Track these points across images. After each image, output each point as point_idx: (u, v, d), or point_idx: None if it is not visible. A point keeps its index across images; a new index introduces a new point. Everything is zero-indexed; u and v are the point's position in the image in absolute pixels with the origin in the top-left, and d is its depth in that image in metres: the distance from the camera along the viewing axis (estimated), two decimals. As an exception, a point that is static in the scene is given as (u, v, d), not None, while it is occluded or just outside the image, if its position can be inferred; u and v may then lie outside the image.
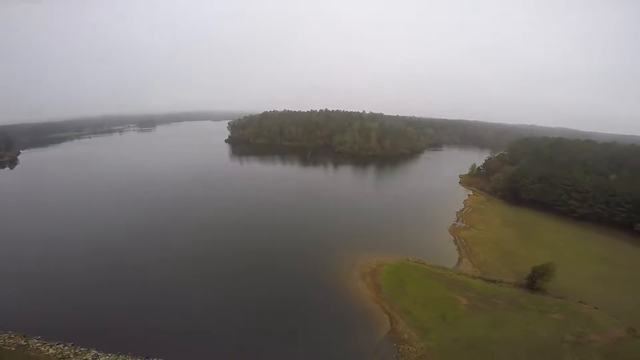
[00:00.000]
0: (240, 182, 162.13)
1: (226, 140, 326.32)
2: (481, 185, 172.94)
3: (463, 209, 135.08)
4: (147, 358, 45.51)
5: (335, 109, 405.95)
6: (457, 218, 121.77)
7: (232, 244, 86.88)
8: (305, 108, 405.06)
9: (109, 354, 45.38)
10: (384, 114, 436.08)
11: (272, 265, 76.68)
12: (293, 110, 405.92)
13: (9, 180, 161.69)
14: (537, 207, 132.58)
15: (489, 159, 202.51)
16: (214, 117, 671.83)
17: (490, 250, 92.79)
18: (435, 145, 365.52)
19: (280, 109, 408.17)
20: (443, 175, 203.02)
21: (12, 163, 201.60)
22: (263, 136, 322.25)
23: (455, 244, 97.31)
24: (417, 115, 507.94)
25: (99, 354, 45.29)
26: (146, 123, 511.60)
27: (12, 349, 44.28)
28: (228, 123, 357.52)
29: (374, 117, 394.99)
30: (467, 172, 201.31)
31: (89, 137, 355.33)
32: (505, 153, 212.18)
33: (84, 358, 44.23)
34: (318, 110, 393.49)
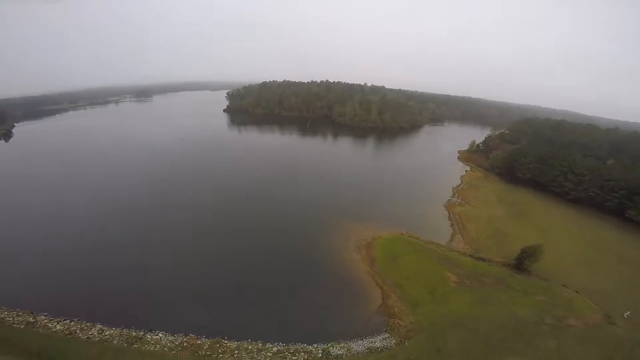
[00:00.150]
0: (238, 154, 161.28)
1: (224, 110, 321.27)
2: (479, 162, 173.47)
3: (460, 184, 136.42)
4: (150, 331, 47.93)
5: (336, 81, 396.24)
6: (453, 194, 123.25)
7: (236, 217, 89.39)
8: (305, 79, 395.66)
9: (114, 328, 47.71)
10: (386, 87, 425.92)
11: (271, 234, 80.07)
12: (293, 80, 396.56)
13: (6, 154, 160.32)
14: (533, 187, 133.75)
15: (489, 136, 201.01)
16: (212, 87, 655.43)
17: (483, 228, 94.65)
18: (436, 120, 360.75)
19: (279, 79, 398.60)
20: (442, 150, 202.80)
21: (7, 136, 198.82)
22: (262, 106, 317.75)
23: (450, 219, 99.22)
24: (419, 90, 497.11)
25: (104, 328, 47.60)
26: (143, 94, 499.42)
27: (22, 327, 46.26)
28: (227, 93, 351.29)
29: (375, 89, 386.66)
30: (466, 149, 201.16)
31: (84, 108, 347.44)
32: (506, 132, 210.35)
33: (90, 333, 46.41)
34: (319, 81, 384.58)
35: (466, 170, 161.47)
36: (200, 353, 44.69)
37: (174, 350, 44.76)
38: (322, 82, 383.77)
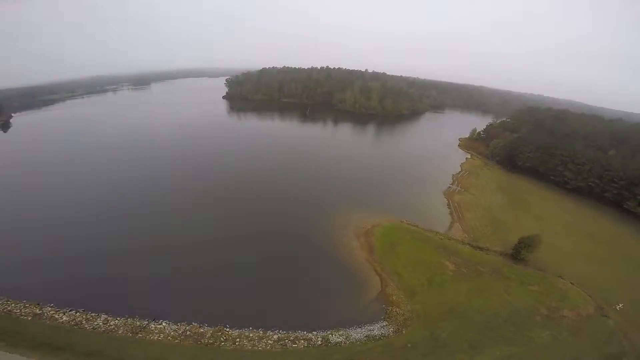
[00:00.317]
0: (237, 141, 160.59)
1: (224, 97, 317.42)
2: (480, 149, 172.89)
3: (459, 172, 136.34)
4: (154, 320, 49.13)
5: (336, 67, 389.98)
6: (453, 181, 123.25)
7: (236, 203, 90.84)
8: (305, 65, 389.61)
9: (118, 318, 48.85)
10: (387, 73, 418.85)
11: (271, 218, 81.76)
12: (293, 66, 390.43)
13: (6, 144, 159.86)
14: (532, 175, 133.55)
15: (490, 124, 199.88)
16: (210, 74, 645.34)
17: (482, 216, 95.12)
18: (438, 107, 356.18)
19: (279, 65, 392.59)
20: (442, 138, 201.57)
21: (5, 127, 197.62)
22: (261, 92, 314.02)
23: (449, 207, 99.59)
24: (421, 77, 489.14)
25: (109, 318, 48.72)
26: (140, 81, 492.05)
27: (29, 318, 47.30)
28: (226, 79, 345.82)
29: (376, 76, 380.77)
30: (467, 136, 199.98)
31: (82, 97, 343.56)
32: (508, 120, 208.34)
33: (95, 323, 47.57)
34: (319, 67, 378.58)
35: (466, 158, 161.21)
36: (202, 341, 45.90)
37: (177, 339, 45.95)
38: (322, 68, 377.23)
